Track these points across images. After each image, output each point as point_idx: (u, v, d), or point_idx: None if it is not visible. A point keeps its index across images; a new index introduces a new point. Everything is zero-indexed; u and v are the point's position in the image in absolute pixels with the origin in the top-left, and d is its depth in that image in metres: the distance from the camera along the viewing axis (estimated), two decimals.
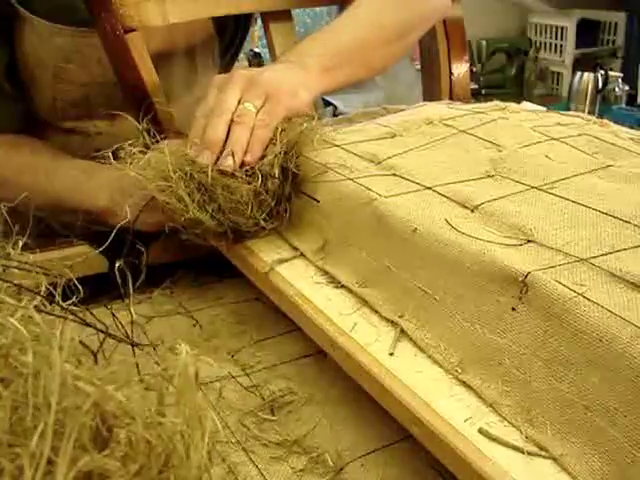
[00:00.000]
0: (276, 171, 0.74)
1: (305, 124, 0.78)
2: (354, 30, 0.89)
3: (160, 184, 0.73)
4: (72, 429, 0.31)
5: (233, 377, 0.68)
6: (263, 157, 0.75)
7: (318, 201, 0.73)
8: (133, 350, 0.48)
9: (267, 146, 0.76)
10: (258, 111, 0.76)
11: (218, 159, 0.73)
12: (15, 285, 0.40)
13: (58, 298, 0.42)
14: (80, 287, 0.47)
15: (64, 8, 0.93)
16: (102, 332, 0.43)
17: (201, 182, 0.72)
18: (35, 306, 0.39)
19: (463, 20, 1.19)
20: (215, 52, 1.14)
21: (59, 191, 0.92)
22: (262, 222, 0.75)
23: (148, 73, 0.91)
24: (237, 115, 0.75)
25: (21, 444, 0.30)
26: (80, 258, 0.81)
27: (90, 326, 0.40)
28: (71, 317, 0.39)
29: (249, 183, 0.73)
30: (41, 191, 0.91)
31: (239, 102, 0.76)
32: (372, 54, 0.91)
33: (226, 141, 0.74)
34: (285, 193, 0.76)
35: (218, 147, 0.74)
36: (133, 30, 0.89)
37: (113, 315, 0.54)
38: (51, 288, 0.45)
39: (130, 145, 0.77)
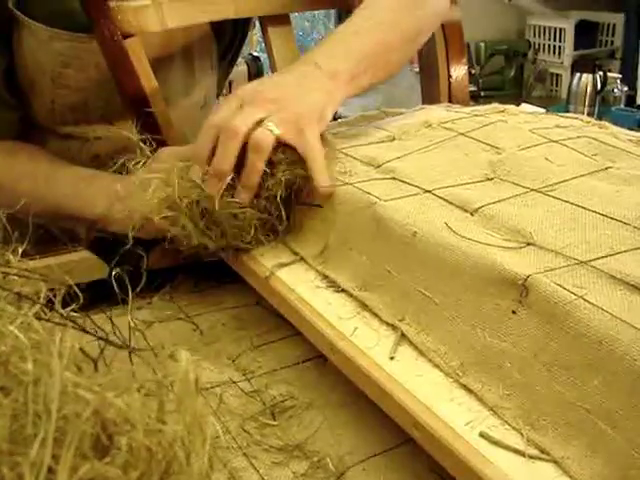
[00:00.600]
0: (279, 195, 0.73)
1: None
2: (375, 32, 0.86)
3: (167, 214, 0.72)
4: (72, 437, 0.31)
5: (234, 382, 0.68)
6: (273, 175, 0.73)
7: (321, 206, 0.74)
8: (132, 356, 0.47)
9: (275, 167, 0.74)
10: (283, 143, 0.73)
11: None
12: (15, 294, 0.40)
13: (58, 305, 0.41)
14: (80, 293, 0.47)
15: (63, 13, 0.93)
16: (102, 339, 0.43)
17: (206, 208, 0.72)
18: (35, 313, 0.39)
19: (461, 23, 1.19)
20: (214, 56, 1.14)
21: (58, 198, 0.92)
22: (264, 240, 0.75)
23: (146, 78, 0.91)
24: (255, 141, 0.72)
25: (21, 452, 0.30)
26: (80, 264, 0.81)
27: (90, 333, 0.40)
28: (71, 324, 0.39)
29: (254, 208, 0.73)
30: (39, 198, 0.91)
31: (260, 121, 0.73)
32: (391, 57, 0.88)
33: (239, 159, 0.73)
34: (288, 209, 0.76)
35: (228, 177, 0.72)
36: (131, 35, 0.89)
37: (111, 322, 0.54)
38: (51, 295, 0.45)
39: (131, 162, 0.76)
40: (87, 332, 0.39)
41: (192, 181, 0.72)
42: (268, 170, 0.73)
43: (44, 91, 0.99)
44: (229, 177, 0.72)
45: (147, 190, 0.73)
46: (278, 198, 0.73)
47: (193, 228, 0.72)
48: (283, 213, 0.75)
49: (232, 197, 0.72)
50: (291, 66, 0.82)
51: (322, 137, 0.77)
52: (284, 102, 0.74)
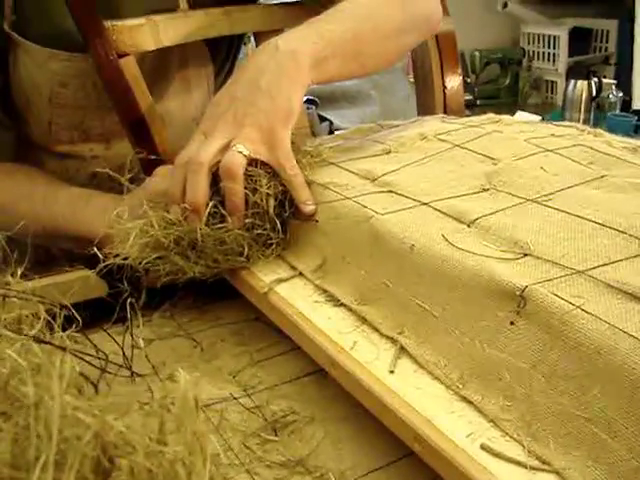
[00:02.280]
0: (271, 208, 0.74)
1: (306, 163, 0.78)
2: (346, 21, 0.84)
3: (151, 257, 0.72)
4: (73, 460, 0.31)
5: (235, 398, 0.68)
6: (256, 190, 0.73)
7: (317, 221, 0.74)
8: (133, 375, 0.48)
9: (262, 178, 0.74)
10: (256, 160, 0.73)
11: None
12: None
13: (58, 328, 0.42)
14: (78, 315, 0.47)
15: (58, 34, 0.93)
16: (101, 359, 0.43)
17: (193, 240, 0.72)
18: (34, 336, 0.40)
19: (455, 34, 1.20)
20: (209, 72, 1.15)
21: (55, 219, 0.92)
22: (260, 256, 0.75)
23: (142, 96, 0.92)
24: (226, 166, 0.72)
25: (23, 477, 0.31)
26: (79, 283, 0.81)
27: (90, 356, 0.40)
28: (70, 348, 0.39)
29: (242, 228, 0.73)
30: (37, 219, 0.91)
31: (227, 146, 0.73)
32: (364, 48, 0.85)
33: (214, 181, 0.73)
34: (282, 219, 0.76)
35: (204, 207, 0.72)
36: (127, 55, 0.89)
37: (117, 340, 0.54)
38: (50, 317, 0.46)
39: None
40: (87, 354, 0.39)
41: (169, 220, 0.73)
42: (250, 187, 0.73)
43: (41, 111, 0.99)
44: (207, 208, 0.72)
45: (127, 240, 0.72)
46: (270, 211, 0.74)
47: (184, 262, 0.72)
48: (278, 225, 0.75)
49: (220, 223, 0.73)
50: (250, 57, 0.80)
51: (292, 143, 0.76)
52: (244, 118, 0.74)
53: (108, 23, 0.88)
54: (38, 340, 0.38)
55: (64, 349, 0.38)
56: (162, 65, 1.04)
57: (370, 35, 0.85)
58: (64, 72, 0.95)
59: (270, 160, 0.74)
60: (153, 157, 0.91)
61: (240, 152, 0.72)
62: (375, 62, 0.89)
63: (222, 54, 1.18)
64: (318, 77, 0.79)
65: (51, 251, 1.06)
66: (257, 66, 0.78)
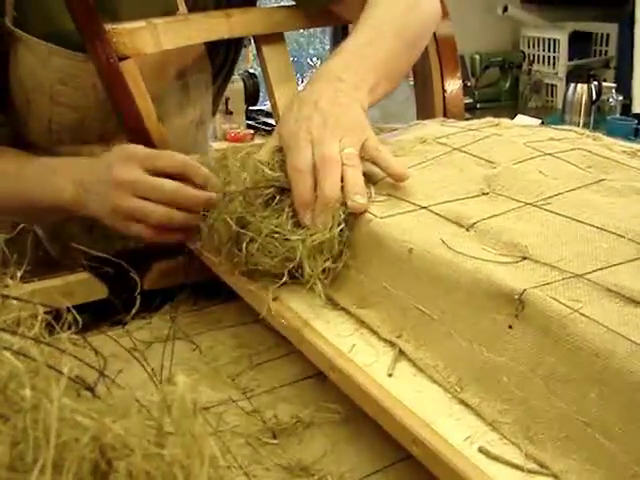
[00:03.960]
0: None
1: None
2: (384, 41, 0.86)
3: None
4: (71, 463, 0.31)
5: (234, 401, 0.68)
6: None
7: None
8: (131, 378, 0.48)
9: None
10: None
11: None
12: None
13: (57, 330, 0.42)
14: (79, 316, 0.47)
15: (60, 34, 0.93)
16: (98, 370, 0.43)
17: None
18: (33, 338, 0.40)
19: (454, 37, 1.19)
20: (208, 74, 1.15)
21: (28, 192, 0.92)
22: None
23: (142, 99, 0.92)
24: (350, 159, 0.71)
25: (21, 479, 0.31)
26: (79, 285, 0.81)
27: (89, 365, 0.40)
28: (69, 349, 0.40)
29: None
30: (10, 194, 0.92)
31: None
32: (400, 64, 0.89)
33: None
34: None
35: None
36: (127, 58, 0.90)
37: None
38: (50, 318, 0.46)
39: None
40: (86, 364, 0.39)
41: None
42: None
43: (41, 109, 0.99)
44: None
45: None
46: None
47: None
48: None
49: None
50: (317, 84, 0.80)
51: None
52: (342, 126, 0.74)
53: (108, 26, 0.88)
54: (37, 341, 0.38)
55: (63, 351, 0.38)
56: (161, 68, 1.04)
57: (403, 49, 0.89)
58: (65, 70, 0.95)
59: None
60: None
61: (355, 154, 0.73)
62: (405, 74, 0.93)
63: (220, 57, 1.18)
64: (371, 102, 0.82)
65: (51, 253, 1.06)
66: (332, 91, 0.78)
